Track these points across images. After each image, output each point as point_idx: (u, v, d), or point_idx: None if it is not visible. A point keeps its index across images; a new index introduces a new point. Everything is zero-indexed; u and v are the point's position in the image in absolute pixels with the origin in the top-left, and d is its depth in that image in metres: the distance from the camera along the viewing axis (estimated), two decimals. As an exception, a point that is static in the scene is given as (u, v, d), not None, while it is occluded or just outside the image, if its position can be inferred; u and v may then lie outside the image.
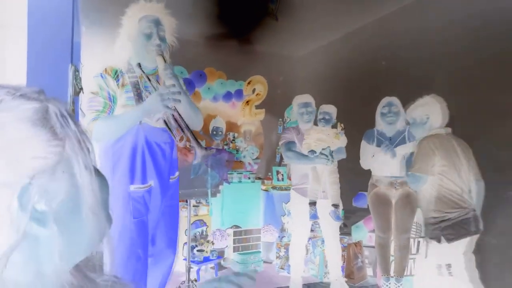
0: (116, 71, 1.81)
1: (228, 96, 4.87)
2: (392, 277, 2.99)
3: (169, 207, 2.01)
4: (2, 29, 1.91)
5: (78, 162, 0.47)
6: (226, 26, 4.53)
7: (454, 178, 2.24)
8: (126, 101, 1.80)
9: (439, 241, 2.19)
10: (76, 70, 2.65)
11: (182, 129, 1.85)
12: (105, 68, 1.81)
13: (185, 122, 1.84)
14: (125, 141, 1.79)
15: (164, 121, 1.88)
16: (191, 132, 1.81)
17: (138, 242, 1.81)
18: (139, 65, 1.85)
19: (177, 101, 1.69)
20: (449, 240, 2.14)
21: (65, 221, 0.46)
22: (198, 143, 1.75)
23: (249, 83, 4.82)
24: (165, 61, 1.83)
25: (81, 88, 2.91)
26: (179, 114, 1.84)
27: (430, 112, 2.48)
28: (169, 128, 1.89)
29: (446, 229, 2.17)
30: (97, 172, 0.53)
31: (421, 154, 2.33)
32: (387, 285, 2.98)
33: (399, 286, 2.94)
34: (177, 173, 2.07)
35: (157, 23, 1.86)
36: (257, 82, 4.83)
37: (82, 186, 0.48)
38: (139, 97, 1.81)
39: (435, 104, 2.48)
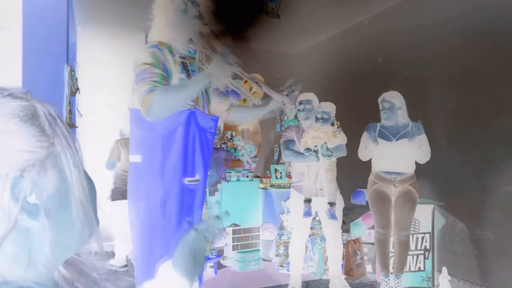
0: (170, 47, 1.66)
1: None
2: (391, 273, 3.00)
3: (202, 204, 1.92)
4: (-4, 29, 1.90)
5: (67, 158, 0.49)
6: (222, 23, 4.51)
7: None
8: (180, 81, 1.66)
9: None
10: (72, 70, 2.63)
11: (255, 82, 1.73)
12: (159, 41, 1.65)
13: (251, 75, 1.72)
14: (176, 131, 1.64)
15: (232, 82, 1.74)
16: (264, 85, 1.70)
17: None
18: (191, 40, 1.70)
19: (235, 57, 1.59)
20: None
21: (55, 214, 0.48)
22: (272, 90, 1.67)
23: (246, 81, 4.81)
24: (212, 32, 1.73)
25: (77, 88, 2.89)
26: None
27: None
28: (241, 90, 1.78)
29: None
30: (85, 173, 0.54)
31: None
32: (386, 282, 2.99)
33: (398, 282, 2.95)
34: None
35: None
36: (254, 80, 4.82)
37: (71, 180, 0.49)
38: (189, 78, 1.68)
39: None
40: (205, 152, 1.74)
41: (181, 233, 0.82)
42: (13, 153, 0.44)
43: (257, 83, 1.73)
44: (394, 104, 2.94)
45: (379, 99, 3.03)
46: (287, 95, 1.70)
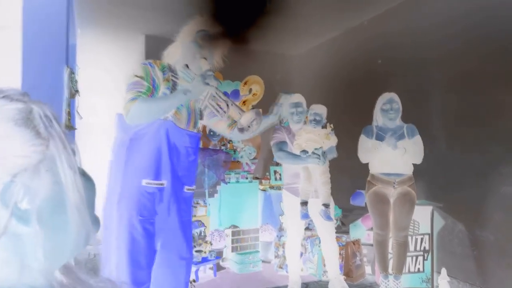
0: (164, 66, 1.85)
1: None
2: (390, 274, 3.00)
3: (183, 222, 1.93)
4: (-4, 31, 1.90)
5: (62, 161, 0.48)
6: (221, 25, 4.52)
7: None
8: (162, 95, 1.83)
9: None
10: (72, 72, 2.64)
11: (227, 105, 1.88)
12: (154, 60, 1.86)
13: (228, 96, 1.88)
14: (144, 135, 1.78)
15: (210, 103, 1.89)
16: (236, 104, 1.87)
17: (141, 244, 1.76)
18: (187, 66, 1.86)
19: (217, 80, 1.74)
20: None
21: (48, 219, 0.47)
22: (242, 110, 1.82)
23: (245, 83, 4.81)
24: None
25: (77, 91, 2.90)
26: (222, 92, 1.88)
27: None
28: (216, 109, 1.91)
29: None
30: (83, 173, 0.53)
31: None
32: (385, 283, 2.99)
33: (397, 284, 2.95)
34: (194, 186, 2.01)
35: (212, 38, 1.95)
36: (253, 82, 4.82)
37: (66, 184, 0.48)
38: None
39: None
40: (175, 162, 1.84)
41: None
42: (4, 159, 0.43)
43: (232, 104, 1.88)
44: (400, 107, 2.96)
45: (386, 99, 2.98)
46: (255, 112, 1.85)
